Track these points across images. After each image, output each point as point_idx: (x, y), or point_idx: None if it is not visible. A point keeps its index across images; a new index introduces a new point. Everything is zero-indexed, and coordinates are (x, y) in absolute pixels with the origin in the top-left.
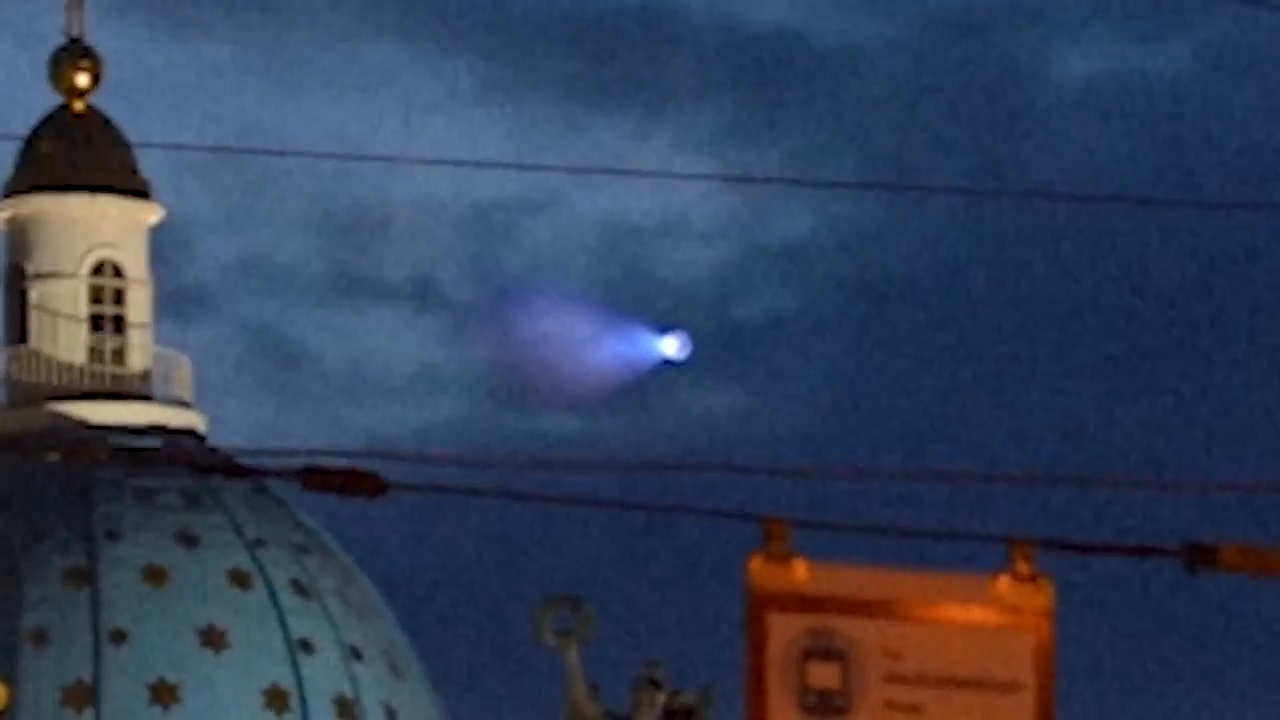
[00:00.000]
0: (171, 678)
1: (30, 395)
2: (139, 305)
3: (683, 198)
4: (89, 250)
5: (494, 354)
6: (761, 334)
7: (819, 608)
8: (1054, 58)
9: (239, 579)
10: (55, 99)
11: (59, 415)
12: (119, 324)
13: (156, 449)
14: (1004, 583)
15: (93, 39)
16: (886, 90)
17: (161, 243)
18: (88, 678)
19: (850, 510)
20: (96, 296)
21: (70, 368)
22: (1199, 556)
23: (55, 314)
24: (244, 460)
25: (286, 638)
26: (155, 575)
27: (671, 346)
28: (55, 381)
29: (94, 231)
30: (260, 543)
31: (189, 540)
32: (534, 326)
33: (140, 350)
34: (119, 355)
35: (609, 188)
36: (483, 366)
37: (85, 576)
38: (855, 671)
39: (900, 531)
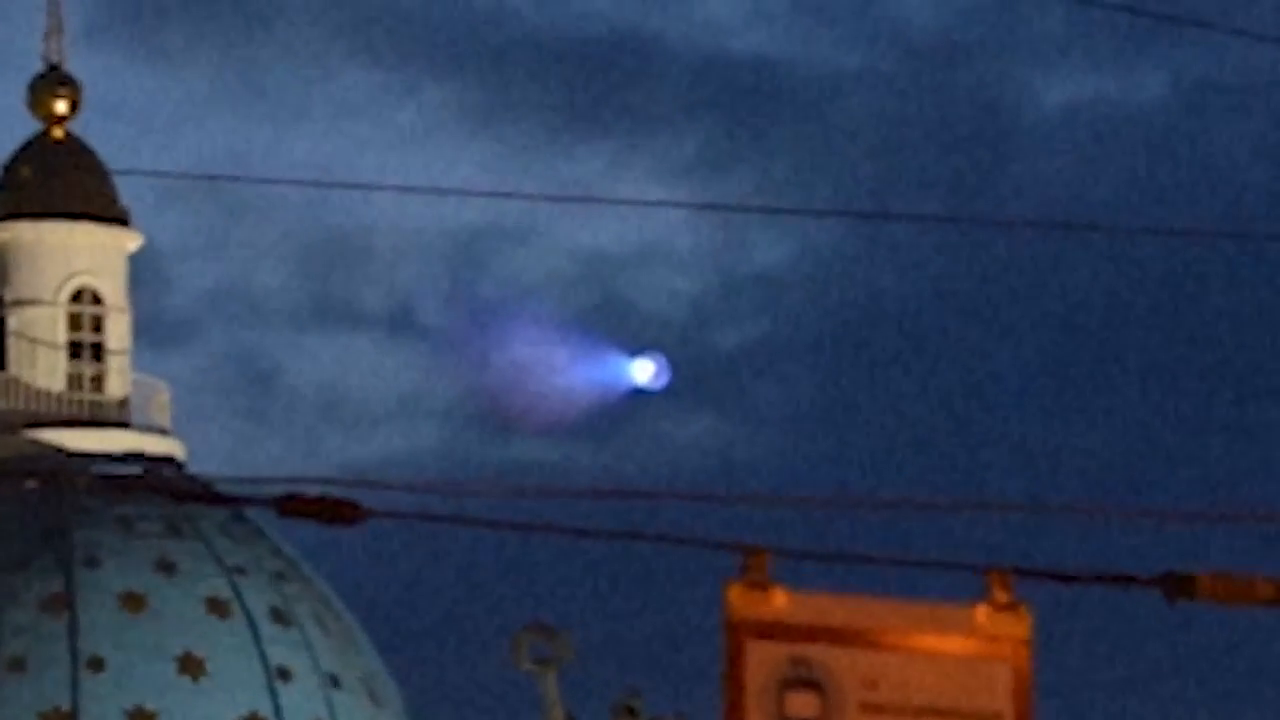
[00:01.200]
0: (150, 705)
1: (8, 422)
2: (118, 332)
3: (660, 226)
4: (68, 277)
5: (471, 381)
6: (739, 362)
7: (797, 636)
8: (1031, 87)
9: (217, 607)
10: (34, 126)
11: (37, 442)
12: (97, 351)
13: (135, 476)
14: (982, 612)
15: (71, 66)
16: (863, 119)
17: (140, 270)
18: (65, 705)
19: (829, 539)
20: (75, 324)
21: (49, 395)
22: (1177, 585)
23: (34, 341)
24: (222, 488)
25: (265, 666)
26: (133, 602)
27: (645, 372)
28: (34, 408)
29: (72, 259)
30: (239, 570)
31: (167, 568)
32: (511, 354)
33: (119, 377)
34: (97, 382)
35: (586, 216)
36: (461, 394)
37: (63, 603)
38: (833, 700)
39: (879, 560)
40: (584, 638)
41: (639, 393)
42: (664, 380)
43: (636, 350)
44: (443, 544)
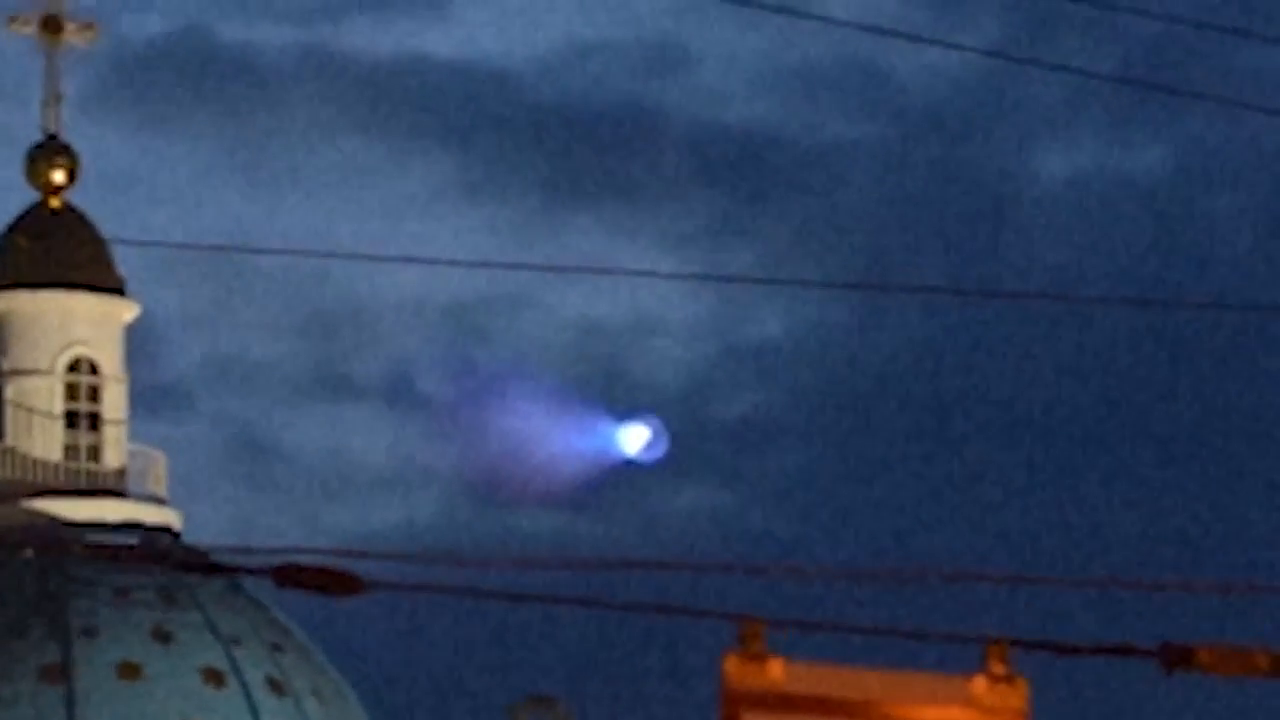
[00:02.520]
0: None
1: (6, 491)
2: (114, 402)
3: (659, 297)
4: (64, 347)
5: (470, 451)
6: (738, 433)
7: (795, 707)
8: (1031, 158)
9: (214, 677)
10: (32, 195)
11: (34, 511)
12: (94, 421)
13: (132, 546)
14: (980, 683)
15: (69, 136)
16: (863, 191)
17: (137, 339)
18: None
19: (826, 610)
20: (72, 393)
21: (46, 464)
22: (1175, 657)
23: (31, 410)
24: (219, 558)
25: None
26: (130, 672)
27: (638, 440)
28: (31, 478)
29: (69, 328)
30: (235, 640)
31: (164, 637)
32: (509, 424)
33: (115, 447)
34: (94, 452)
35: (586, 286)
36: (459, 464)
37: (60, 673)
38: None
39: (876, 631)
40: (581, 709)
41: (632, 462)
42: (660, 449)
43: (632, 419)
44: (441, 614)
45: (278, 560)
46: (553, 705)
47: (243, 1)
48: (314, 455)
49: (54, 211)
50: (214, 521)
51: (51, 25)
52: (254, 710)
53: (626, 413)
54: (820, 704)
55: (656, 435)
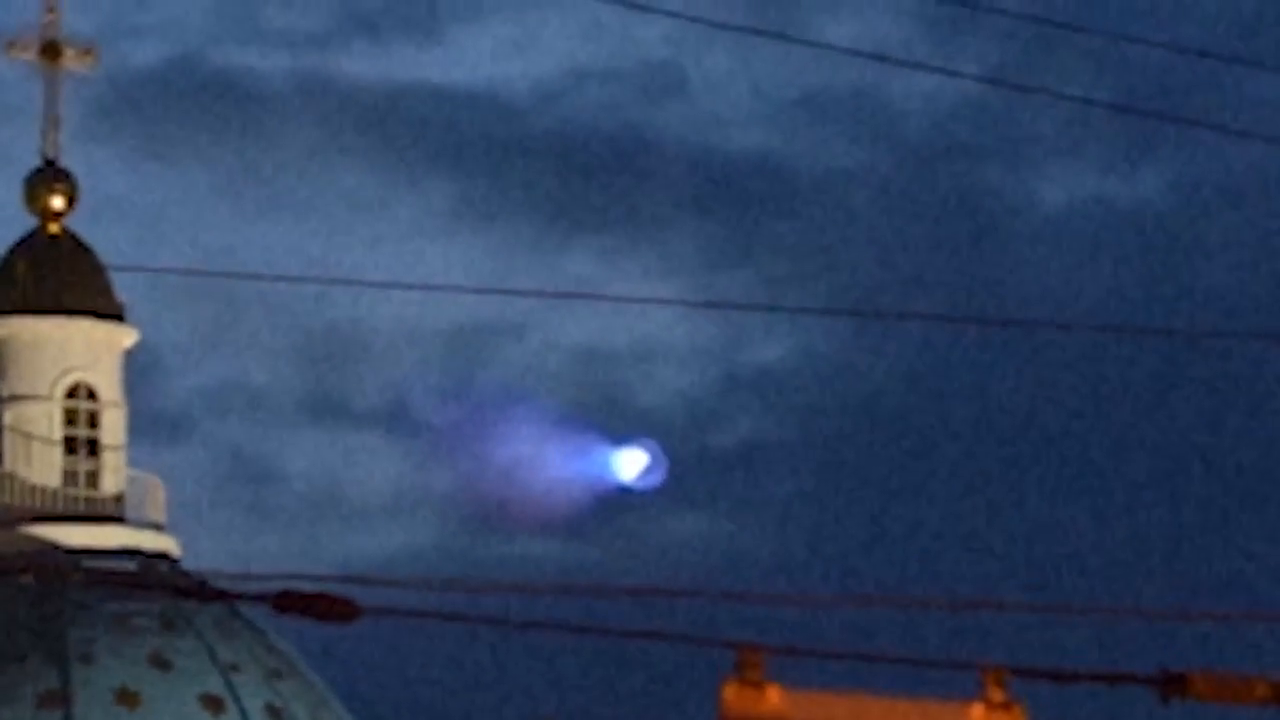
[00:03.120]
0: None
1: (4, 517)
2: (113, 428)
3: (658, 323)
4: (63, 373)
5: (467, 478)
6: (736, 460)
7: None
8: (1031, 186)
9: (212, 703)
10: (30, 221)
11: (33, 538)
12: (93, 447)
13: (130, 572)
14: (978, 710)
15: (68, 162)
16: (864, 216)
17: (136, 366)
18: None
19: (825, 637)
20: (70, 419)
21: (44, 490)
22: (1171, 684)
23: (29, 436)
24: (218, 584)
25: None
26: (128, 699)
27: (635, 465)
28: (29, 504)
29: (68, 354)
30: (234, 667)
31: (162, 664)
32: (508, 451)
33: (114, 473)
34: (93, 478)
35: (584, 312)
36: (457, 490)
37: (59, 699)
38: None
39: (874, 659)
40: None
41: (629, 489)
42: (658, 475)
43: (630, 446)
44: (439, 641)
45: (276, 586)
46: None
47: (241, 28)
48: (312, 481)
49: (53, 237)
50: (212, 548)
51: (50, 51)
52: None
53: (624, 439)
54: None
55: (655, 461)
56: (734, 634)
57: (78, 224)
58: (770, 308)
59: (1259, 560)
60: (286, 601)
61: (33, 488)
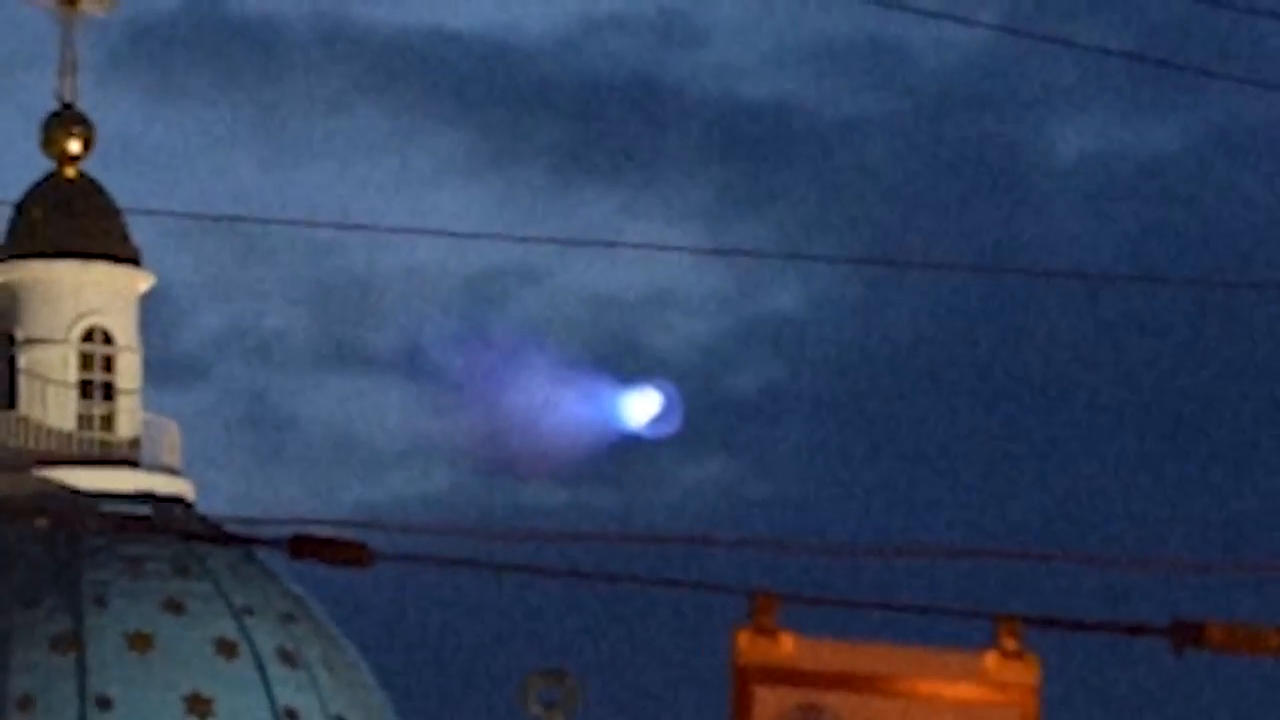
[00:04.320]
0: None
1: (18, 461)
2: (128, 372)
3: (673, 270)
4: (79, 317)
5: (483, 424)
6: (751, 407)
7: (806, 682)
8: (1049, 135)
9: (225, 647)
10: (47, 165)
11: (47, 481)
12: (108, 390)
13: (145, 516)
14: (991, 659)
15: (85, 105)
16: (880, 165)
17: (151, 310)
18: None
19: (838, 585)
20: (86, 363)
21: (59, 433)
22: (1185, 635)
23: (44, 380)
24: (232, 528)
25: (272, 706)
26: (142, 642)
27: (648, 408)
28: (44, 447)
29: (84, 298)
30: (247, 611)
31: (176, 608)
32: (522, 397)
33: (129, 417)
34: (108, 422)
35: (599, 260)
36: (472, 436)
37: (72, 642)
38: None
39: (888, 607)
40: (592, 683)
41: (643, 435)
42: (673, 422)
43: (643, 391)
44: (452, 587)
45: (290, 531)
46: (563, 679)
47: None
48: (327, 426)
49: (69, 181)
50: (226, 492)
51: None
52: (265, 681)
53: (639, 386)
54: (831, 679)
55: (669, 409)
56: (747, 581)
57: (94, 168)
58: (785, 256)
59: (1276, 511)
60: (301, 546)
61: (48, 431)
